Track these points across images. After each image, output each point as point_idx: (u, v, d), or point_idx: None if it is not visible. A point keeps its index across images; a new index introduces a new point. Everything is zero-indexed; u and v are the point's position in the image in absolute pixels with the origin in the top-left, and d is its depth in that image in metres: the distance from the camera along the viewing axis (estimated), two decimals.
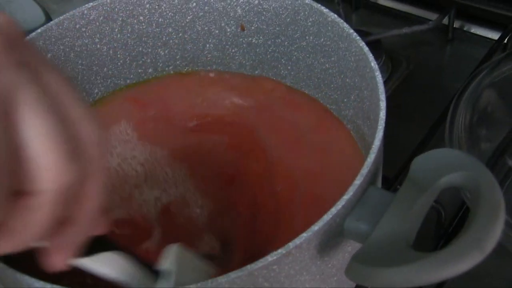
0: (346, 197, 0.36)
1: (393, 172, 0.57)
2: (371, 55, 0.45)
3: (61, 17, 0.53)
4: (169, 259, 0.41)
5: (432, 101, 0.68)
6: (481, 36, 0.75)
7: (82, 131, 0.27)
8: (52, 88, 0.26)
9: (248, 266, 0.34)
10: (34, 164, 0.24)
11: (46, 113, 0.24)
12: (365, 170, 0.38)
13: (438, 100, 0.66)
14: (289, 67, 0.58)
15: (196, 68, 0.62)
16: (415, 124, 0.65)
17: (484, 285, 0.52)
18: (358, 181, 0.37)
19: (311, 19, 0.52)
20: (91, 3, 0.54)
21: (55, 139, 0.24)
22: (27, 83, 0.24)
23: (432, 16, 0.75)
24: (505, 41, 0.70)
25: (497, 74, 0.62)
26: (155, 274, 0.40)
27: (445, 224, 0.55)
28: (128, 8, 0.56)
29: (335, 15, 0.49)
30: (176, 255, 0.41)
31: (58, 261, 0.30)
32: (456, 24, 0.75)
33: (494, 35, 0.73)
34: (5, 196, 0.24)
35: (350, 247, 0.40)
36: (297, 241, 0.35)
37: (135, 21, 0.57)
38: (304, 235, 0.35)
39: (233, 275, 0.33)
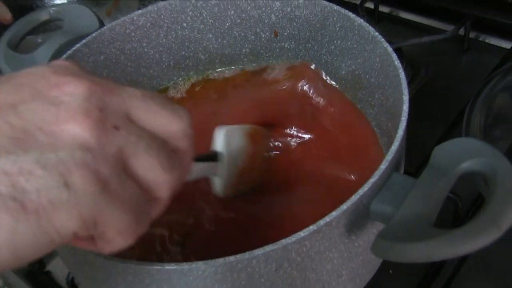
0: (372, 180, 0.36)
1: (413, 168, 0.57)
2: (394, 54, 0.45)
3: (113, 23, 0.54)
4: (219, 140, 0.47)
5: (449, 105, 0.67)
6: (494, 45, 0.74)
7: (172, 135, 0.31)
8: (140, 117, 0.30)
9: (283, 241, 0.34)
10: (154, 188, 0.30)
11: (146, 152, 0.29)
12: (390, 156, 0.38)
13: (455, 104, 0.66)
14: (318, 70, 0.58)
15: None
16: (433, 126, 0.65)
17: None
18: (383, 166, 0.37)
19: (339, 24, 0.52)
20: (140, 10, 0.55)
21: (159, 163, 0.29)
22: (127, 142, 0.28)
23: (449, 27, 0.75)
24: None
25: (510, 79, 0.61)
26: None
27: (461, 215, 0.54)
28: (172, 15, 0.57)
29: (362, 20, 0.49)
30: (224, 135, 0.47)
31: None
32: (472, 35, 0.75)
33: (507, 45, 0.73)
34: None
35: (375, 229, 0.40)
36: (327, 219, 0.35)
37: (179, 27, 0.58)
38: (334, 213, 0.35)
39: (268, 248, 0.34)
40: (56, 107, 0.26)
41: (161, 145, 0.30)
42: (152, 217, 0.31)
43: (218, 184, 0.48)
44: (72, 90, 0.27)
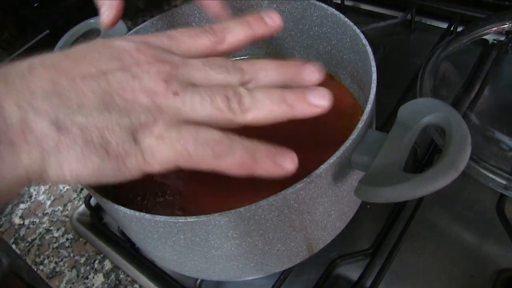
0: (352, 137, 0.32)
1: (380, 123, 0.53)
2: (362, 34, 0.41)
3: (138, 27, 0.49)
4: None
5: (403, 74, 0.63)
6: (434, 26, 0.70)
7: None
8: (200, 82, 0.30)
9: (283, 192, 0.30)
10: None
11: (200, 103, 0.29)
12: (365, 116, 0.34)
13: (408, 72, 0.61)
14: (301, 52, 0.53)
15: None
16: (393, 91, 0.60)
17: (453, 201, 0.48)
18: (360, 125, 0.33)
19: (315, 14, 0.47)
20: (158, 16, 0.50)
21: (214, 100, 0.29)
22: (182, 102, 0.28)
23: (399, 14, 0.70)
24: (451, 29, 0.66)
25: (449, 50, 0.58)
26: None
27: (420, 158, 0.50)
28: (184, 18, 0.52)
29: (333, 9, 0.45)
30: None
31: None
32: (417, 19, 0.70)
33: (444, 25, 0.68)
34: None
35: (356, 176, 0.36)
36: (318, 171, 0.31)
37: (189, 26, 0.53)
38: (323, 167, 0.31)
39: (271, 198, 0.30)
40: (133, 80, 0.27)
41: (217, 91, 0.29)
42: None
43: None
44: (147, 68, 0.28)
